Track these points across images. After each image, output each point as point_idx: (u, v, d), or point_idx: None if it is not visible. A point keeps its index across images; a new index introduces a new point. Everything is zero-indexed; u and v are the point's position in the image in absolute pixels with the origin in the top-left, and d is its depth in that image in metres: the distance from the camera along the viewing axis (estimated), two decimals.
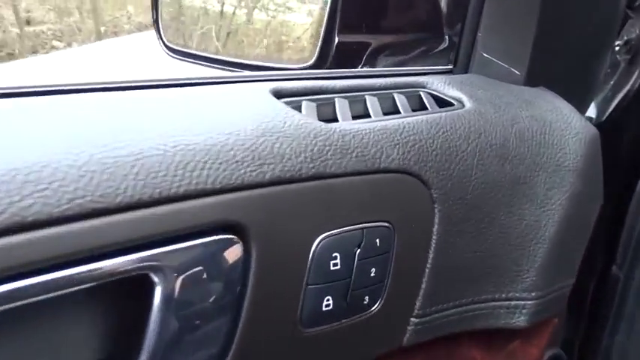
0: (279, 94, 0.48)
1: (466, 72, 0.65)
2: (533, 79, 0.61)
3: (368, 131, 0.45)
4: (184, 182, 0.35)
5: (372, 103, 0.51)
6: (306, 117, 0.44)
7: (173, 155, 0.36)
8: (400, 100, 0.52)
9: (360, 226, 0.43)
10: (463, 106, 0.53)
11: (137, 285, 0.35)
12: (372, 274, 0.44)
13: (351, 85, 0.53)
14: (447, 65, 0.69)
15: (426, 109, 0.53)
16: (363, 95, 0.52)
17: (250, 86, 0.49)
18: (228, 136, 0.39)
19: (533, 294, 0.55)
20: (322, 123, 0.44)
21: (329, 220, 0.41)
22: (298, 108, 0.46)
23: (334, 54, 0.73)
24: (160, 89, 0.46)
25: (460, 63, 0.65)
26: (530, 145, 0.53)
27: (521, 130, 0.53)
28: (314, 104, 0.48)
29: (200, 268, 0.36)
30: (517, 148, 0.52)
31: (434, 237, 0.47)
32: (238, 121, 0.41)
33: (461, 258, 0.50)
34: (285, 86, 0.49)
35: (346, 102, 0.50)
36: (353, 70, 0.59)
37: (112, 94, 0.43)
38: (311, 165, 0.41)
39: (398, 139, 0.46)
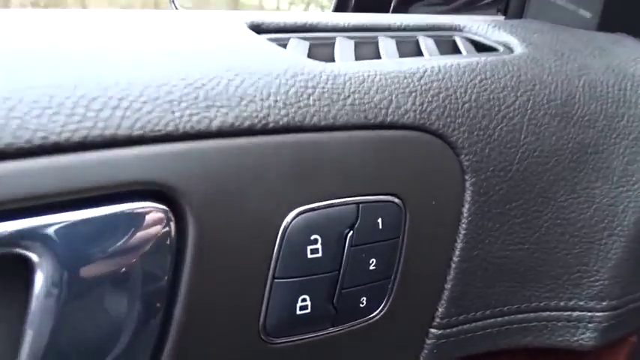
0: (258, 28, 0.37)
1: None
2: (608, 23, 0.47)
3: (372, 73, 0.33)
4: (84, 125, 0.25)
5: (386, 45, 0.39)
6: (288, 53, 0.33)
7: (74, 88, 0.25)
8: (427, 44, 0.40)
9: (354, 199, 0.31)
10: (512, 51, 0.40)
11: (17, 267, 0.24)
12: (372, 267, 0.32)
13: (360, 23, 0.41)
14: (496, 16, 0.55)
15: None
16: (376, 36, 0.40)
17: (224, 17, 0.38)
18: (165, 68, 0.28)
19: (605, 304, 0.42)
20: (308, 60, 0.32)
21: (307, 189, 0.30)
22: (284, 47, 0.35)
23: (354, 5, 0.60)
24: (109, 14, 0.36)
25: (513, 9, 0.52)
26: (605, 104, 0.40)
27: (592, 82, 0.40)
28: (306, 42, 0.37)
29: (107, 248, 0.25)
30: (585, 105, 0.39)
31: (463, 219, 0.35)
32: (186, 51, 0.30)
33: (502, 250, 0.37)
34: (267, 19, 0.37)
35: (351, 42, 0.38)
36: (366, 14, 0.47)
37: (38, 13, 0.33)
38: (283, 112, 0.29)
39: (415, 85, 0.33)
